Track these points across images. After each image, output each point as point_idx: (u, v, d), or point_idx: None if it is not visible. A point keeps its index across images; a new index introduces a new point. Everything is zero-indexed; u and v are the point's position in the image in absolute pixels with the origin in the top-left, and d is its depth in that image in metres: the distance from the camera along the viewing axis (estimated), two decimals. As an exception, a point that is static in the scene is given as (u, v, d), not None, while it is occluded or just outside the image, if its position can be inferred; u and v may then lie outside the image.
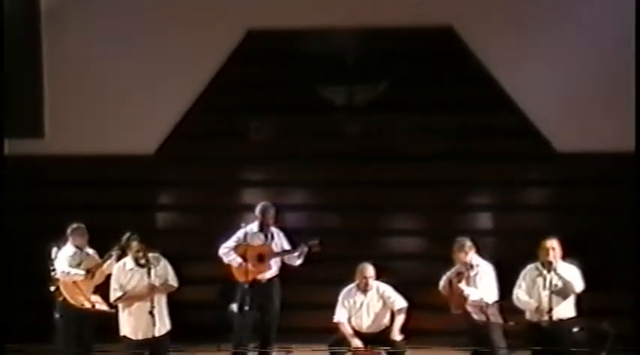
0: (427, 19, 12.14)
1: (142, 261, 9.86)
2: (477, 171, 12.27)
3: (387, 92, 12.45)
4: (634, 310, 11.40)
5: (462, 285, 10.14)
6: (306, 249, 10.75)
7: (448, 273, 10.37)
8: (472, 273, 10.21)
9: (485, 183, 12.42)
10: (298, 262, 10.85)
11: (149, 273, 9.78)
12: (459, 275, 10.22)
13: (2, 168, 11.69)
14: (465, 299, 10.16)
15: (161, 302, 9.93)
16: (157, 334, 9.82)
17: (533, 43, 12.14)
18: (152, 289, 9.80)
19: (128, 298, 9.88)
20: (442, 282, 10.38)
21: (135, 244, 9.90)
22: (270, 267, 10.79)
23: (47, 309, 10.64)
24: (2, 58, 11.70)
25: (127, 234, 10.10)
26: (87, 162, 12.50)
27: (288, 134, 12.58)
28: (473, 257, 10.29)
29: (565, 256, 10.00)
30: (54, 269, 10.57)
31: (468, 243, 10.31)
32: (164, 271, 9.97)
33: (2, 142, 11.62)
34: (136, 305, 9.86)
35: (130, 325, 9.90)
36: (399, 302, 10.53)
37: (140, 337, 9.88)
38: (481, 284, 10.19)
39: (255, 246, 10.74)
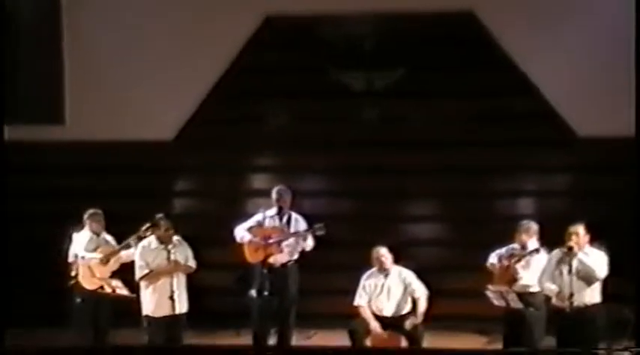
0: (447, 4, 12.07)
1: (167, 241, 10.10)
2: (496, 157, 12.20)
3: (405, 78, 12.39)
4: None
5: (518, 266, 10.06)
6: (309, 233, 10.75)
7: (502, 251, 10.29)
8: (527, 257, 10.10)
9: (504, 169, 12.34)
10: (308, 246, 10.85)
11: (171, 252, 10.04)
12: (514, 257, 10.15)
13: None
14: (512, 281, 10.07)
15: (181, 285, 10.15)
16: (176, 312, 10.06)
17: (554, 27, 12.05)
18: (175, 267, 10.07)
19: (153, 276, 10.10)
20: (492, 259, 10.29)
21: (164, 223, 10.13)
22: (281, 251, 10.78)
23: (64, 294, 10.67)
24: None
25: (147, 224, 10.26)
26: (107, 149, 12.53)
27: (306, 120, 12.55)
28: (532, 241, 10.23)
29: (592, 242, 9.89)
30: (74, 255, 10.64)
31: (534, 227, 10.26)
32: (185, 252, 10.24)
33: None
34: (160, 282, 10.08)
35: (153, 302, 10.10)
36: (420, 290, 10.48)
37: (162, 314, 10.07)
38: (532, 270, 10.10)
39: (268, 228, 10.79)
